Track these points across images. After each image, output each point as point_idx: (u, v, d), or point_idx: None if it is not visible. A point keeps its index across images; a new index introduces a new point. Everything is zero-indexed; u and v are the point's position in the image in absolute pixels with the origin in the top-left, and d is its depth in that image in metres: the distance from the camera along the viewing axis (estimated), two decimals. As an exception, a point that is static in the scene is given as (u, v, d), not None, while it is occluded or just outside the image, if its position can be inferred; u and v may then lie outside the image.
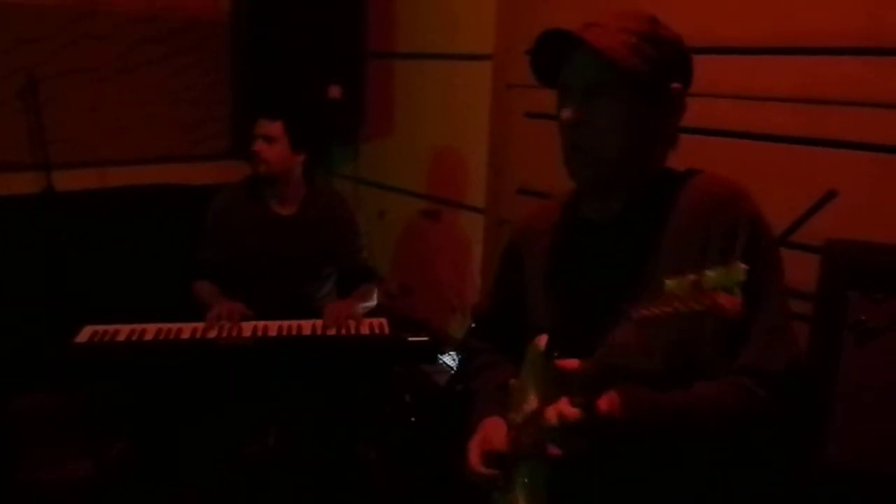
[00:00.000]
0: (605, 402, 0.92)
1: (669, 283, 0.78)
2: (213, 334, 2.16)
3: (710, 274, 0.74)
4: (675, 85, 1.07)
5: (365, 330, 2.25)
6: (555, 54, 1.09)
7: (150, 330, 2.17)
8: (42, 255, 2.89)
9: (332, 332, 2.23)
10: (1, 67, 2.91)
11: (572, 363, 0.97)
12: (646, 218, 1.10)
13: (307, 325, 2.25)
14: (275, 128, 2.35)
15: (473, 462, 1.21)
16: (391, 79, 3.39)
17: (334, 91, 3.18)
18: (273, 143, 2.35)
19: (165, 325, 2.19)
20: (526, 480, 1.14)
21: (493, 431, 1.22)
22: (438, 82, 3.15)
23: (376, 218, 3.50)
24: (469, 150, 3.03)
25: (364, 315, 2.37)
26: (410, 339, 2.24)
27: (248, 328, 2.20)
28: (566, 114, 1.08)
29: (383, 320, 2.30)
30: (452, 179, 3.16)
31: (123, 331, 2.15)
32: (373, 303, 2.52)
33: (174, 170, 3.31)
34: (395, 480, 2.56)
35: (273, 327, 2.22)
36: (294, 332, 2.22)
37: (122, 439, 2.46)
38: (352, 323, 2.27)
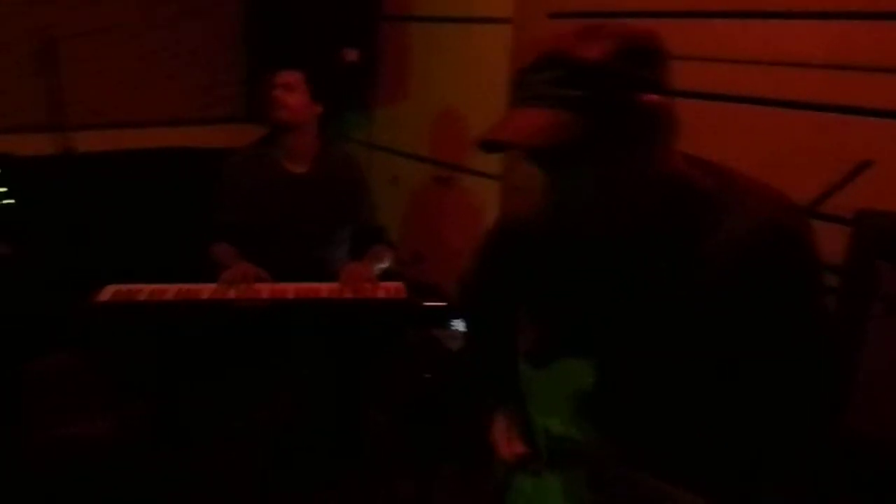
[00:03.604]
0: None
1: None
2: (231, 295, 2.18)
3: None
4: (646, 99, 0.90)
5: (381, 294, 2.26)
6: None
7: (171, 290, 2.19)
8: (61, 216, 2.91)
9: (349, 294, 2.24)
10: (18, 28, 2.91)
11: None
12: (672, 253, 0.98)
13: (324, 288, 2.26)
14: (295, 76, 2.38)
15: (504, 446, 1.21)
16: (407, 42, 3.34)
17: (350, 54, 3.15)
18: (293, 91, 2.38)
19: (185, 286, 2.21)
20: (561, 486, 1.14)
21: (517, 426, 1.22)
22: (455, 46, 3.10)
23: (389, 184, 3.48)
24: (485, 116, 3.00)
25: (378, 276, 2.39)
26: (427, 303, 2.26)
27: (265, 289, 2.22)
28: None
29: (400, 284, 2.31)
30: (467, 145, 3.14)
31: (145, 290, 2.17)
32: (385, 264, 2.53)
33: (188, 132, 3.30)
34: (406, 445, 2.59)
35: (290, 289, 2.24)
36: (311, 294, 2.23)
37: (142, 398, 2.49)
38: (368, 286, 2.28)
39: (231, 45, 3.39)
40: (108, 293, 2.14)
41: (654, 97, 0.90)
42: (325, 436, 2.42)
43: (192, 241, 2.48)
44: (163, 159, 3.18)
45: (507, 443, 1.21)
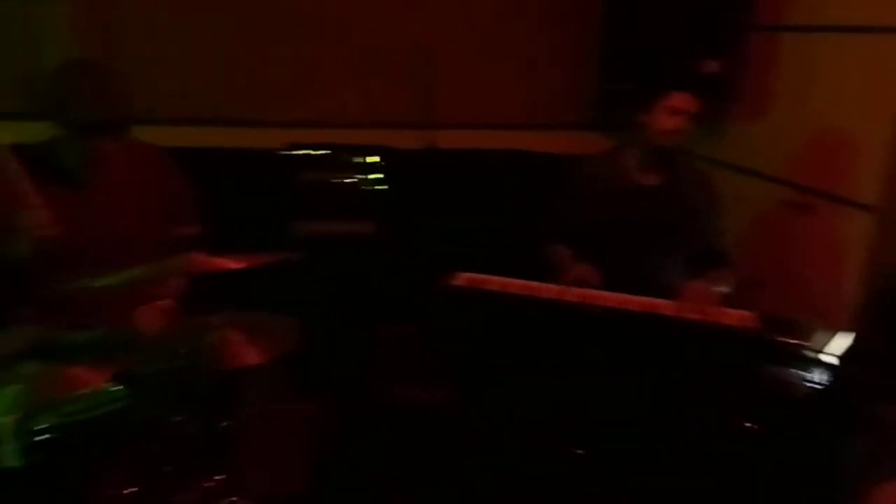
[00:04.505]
0: None
1: None
2: (573, 298, 2.21)
3: None
4: None
5: (731, 320, 2.11)
6: None
7: (516, 284, 2.29)
8: (420, 204, 3.25)
9: (695, 316, 2.13)
10: (398, 37, 3.33)
11: None
12: None
13: (669, 306, 2.18)
14: (693, 103, 2.31)
15: None
16: (776, 54, 3.08)
17: (711, 65, 3.00)
18: (687, 117, 2.32)
19: (529, 282, 2.30)
20: None
21: None
22: (840, 59, 2.76)
23: (730, 202, 3.25)
24: (866, 138, 2.64)
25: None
26: (780, 339, 2.05)
27: (609, 298, 2.21)
28: None
29: (752, 314, 2.13)
30: (836, 170, 2.78)
31: (494, 281, 2.30)
32: (725, 290, 2.36)
33: (538, 137, 3.47)
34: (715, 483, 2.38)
35: (634, 301, 2.20)
36: (655, 309, 2.16)
37: (472, 375, 2.66)
38: (715, 310, 2.15)
39: (585, 55, 3.45)
40: (462, 279, 2.32)
41: None
42: (633, 453, 2.34)
43: (529, 240, 2.59)
44: (512, 161, 3.38)
45: None
